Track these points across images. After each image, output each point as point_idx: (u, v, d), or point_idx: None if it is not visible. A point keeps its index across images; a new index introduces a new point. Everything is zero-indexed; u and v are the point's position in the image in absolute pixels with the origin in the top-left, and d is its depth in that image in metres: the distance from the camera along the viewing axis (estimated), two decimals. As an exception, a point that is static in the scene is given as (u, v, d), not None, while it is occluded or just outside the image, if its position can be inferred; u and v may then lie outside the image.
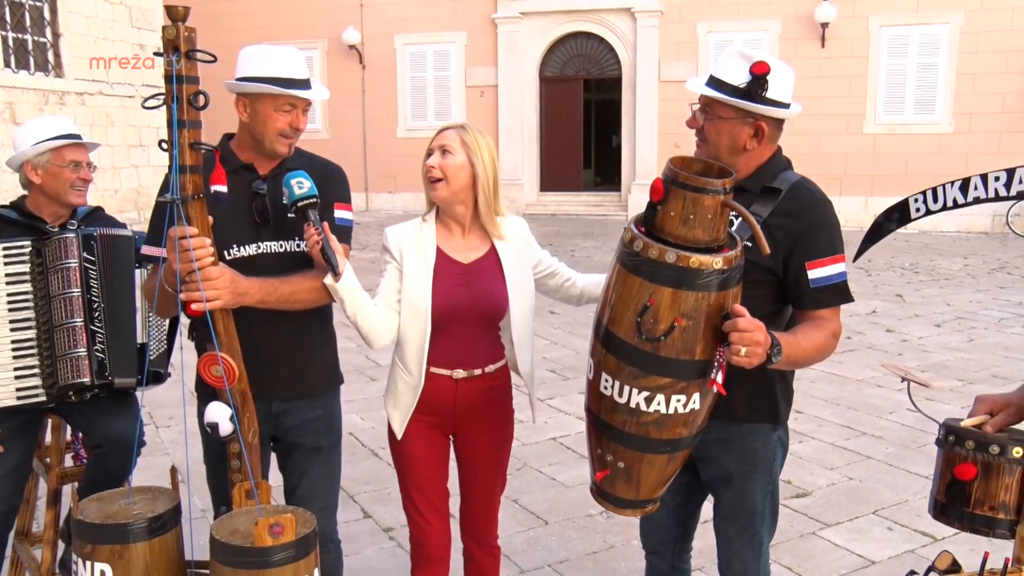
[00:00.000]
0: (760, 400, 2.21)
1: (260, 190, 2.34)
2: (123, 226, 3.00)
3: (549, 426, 5.26)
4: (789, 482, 4.33)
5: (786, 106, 2.11)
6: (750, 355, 1.84)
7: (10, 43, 10.65)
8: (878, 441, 5.03)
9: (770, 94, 2.07)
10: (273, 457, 2.57)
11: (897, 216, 2.89)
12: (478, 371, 2.47)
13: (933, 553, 3.57)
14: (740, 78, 2.07)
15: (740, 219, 2.01)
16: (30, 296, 2.77)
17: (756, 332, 1.84)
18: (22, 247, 2.77)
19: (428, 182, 2.42)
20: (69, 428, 3.09)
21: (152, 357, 2.92)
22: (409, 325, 2.42)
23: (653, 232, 1.91)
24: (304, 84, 2.29)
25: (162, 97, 1.99)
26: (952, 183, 2.72)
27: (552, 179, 18.30)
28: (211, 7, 16.91)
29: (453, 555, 2.63)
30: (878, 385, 6.14)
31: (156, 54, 2.06)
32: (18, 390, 2.74)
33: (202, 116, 2.04)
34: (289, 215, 2.27)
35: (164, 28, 1.95)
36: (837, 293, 2.12)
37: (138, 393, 2.89)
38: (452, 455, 2.62)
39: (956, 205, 2.71)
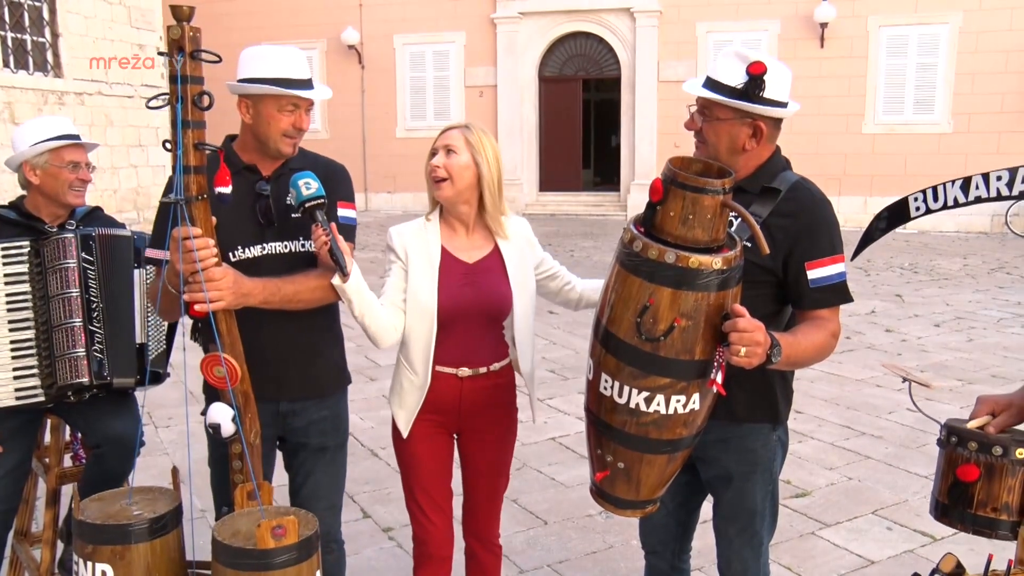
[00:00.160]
0: (760, 400, 2.21)
1: (263, 191, 2.34)
2: (122, 226, 3.00)
3: (549, 426, 5.27)
4: (789, 482, 4.33)
5: (784, 105, 2.11)
6: (750, 355, 1.84)
7: (9, 43, 10.65)
8: (878, 441, 5.03)
9: (767, 94, 2.07)
10: (279, 456, 2.57)
11: (896, 215, 2.88)
12: (483, 369, 2.48)
13: (933, 553, 3.58)
14: (737, 79, 2.07)
15: (739, 219, 2.01)
16: (29, 296, 2.77)
17: (756, 332, 1.84)
18: (21, 247, 2.77)
19: (432, 182, 2.42)
20: (68, 428, 3.09)
21: (151, 357, 2.92)
22: (415, 324, 2.42)
23: (652, 232, 1.91)
24: (306, 84, 2.30)
25: (166, 97, 1.98)
26: (953, 182, 2.69)
27: (551, 179, 18.30)
28: (210, 7, 16.88)
29: (455, 554, 2.63)
30: (878, 385, 6.14)
31: (160, 54, 2.05)
32: (17, 390, 2.74)
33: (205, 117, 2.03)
34: (294, 216, 2.27)
35: (169, 28, 1.94)
36: (837, 293, 2.12)
37: (137, 393, 2.89)
38: (455, 454, 2.62)
39: (957, 204, 2.69)
